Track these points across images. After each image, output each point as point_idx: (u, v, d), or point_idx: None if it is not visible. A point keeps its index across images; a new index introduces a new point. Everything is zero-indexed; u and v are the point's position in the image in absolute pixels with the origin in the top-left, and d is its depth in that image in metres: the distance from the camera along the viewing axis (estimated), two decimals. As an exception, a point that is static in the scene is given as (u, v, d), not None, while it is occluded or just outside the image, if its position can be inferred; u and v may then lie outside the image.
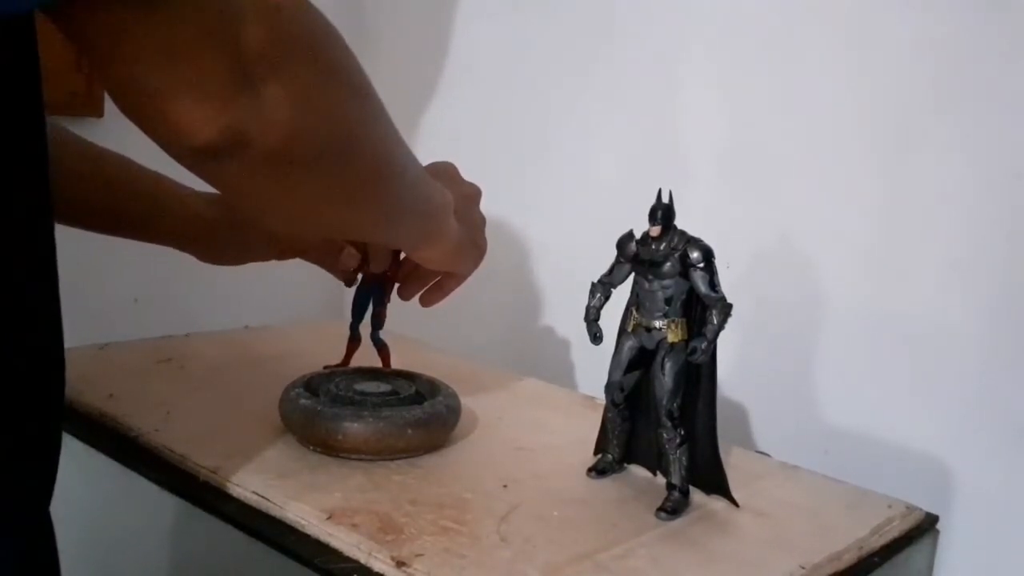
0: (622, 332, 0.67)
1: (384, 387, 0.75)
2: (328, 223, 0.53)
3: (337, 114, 0.43)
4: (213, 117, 0.37)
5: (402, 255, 0.78)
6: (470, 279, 0.72)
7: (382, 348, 0.80)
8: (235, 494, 0.63)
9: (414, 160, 0.54)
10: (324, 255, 0.79)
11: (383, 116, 0.48)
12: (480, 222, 0.69)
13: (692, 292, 0.64)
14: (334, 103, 0.42)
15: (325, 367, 0.80)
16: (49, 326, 0.43)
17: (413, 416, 0.69)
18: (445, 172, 0.67)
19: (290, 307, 1.23)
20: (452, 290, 0.72)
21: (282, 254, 0.81)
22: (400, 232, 0.59)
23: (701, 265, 0.63)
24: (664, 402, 0.65)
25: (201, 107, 0.36)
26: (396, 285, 0.76)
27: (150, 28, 0.34)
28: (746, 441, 0.96)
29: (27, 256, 0.41)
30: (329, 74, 0.42)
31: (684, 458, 0.65)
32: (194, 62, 0.35)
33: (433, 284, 0.73)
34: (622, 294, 0.68)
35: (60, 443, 0.45)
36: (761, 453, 0.86)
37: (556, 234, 1.14)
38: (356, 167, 0.47)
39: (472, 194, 0.69)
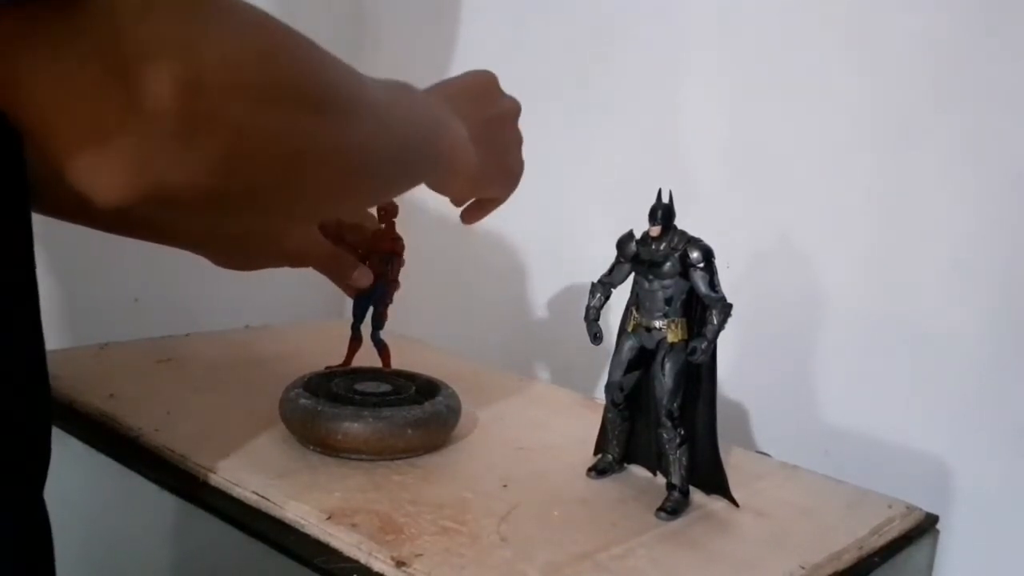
0: (622, 332, 0.67)
1: (384, 387, 0.75)
2: (304, 217, 0.50)
3: (282, 138, 0.38)
4: (124, 173, 0.32)
5: (404, 255, 0.78)
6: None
7: (382, 348, 0.80)
8: (235, 494, 0.63)
9: (404, 119, 0.50)
10: (331, 266, 0.78)
11: (353, 112, 0.43)
12: (512, 143, 0.65)
13: (692, 292, 0.64)
14: (274, 129, 0.37)
15: (326, 368, 0.80)
16: (27, 304, 0.42)
17: (413, 416, 0.69)
18: (473, 90, 0.63)
19: (290, 307, 1.23)
20: (490, 211, 0.69)
21: (292, 262, 0.80)
22: (399, 189, 0.55)
23: (701, 265, 0.63)
24: (664, 402, 0.65)
25: (109, 163, 0.32)
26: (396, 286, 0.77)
27: (51, 71, 0.30)
28: (746, 441, 0.96)
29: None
30: (267, 100, 0.37)
31: (684, 458, 0.65)
32: (98, 111, 0.31)
33: (473, 203, 0.68)
34: (622, 294, 0.68)
35: (50, 428, 0.44)
36: (761, 453, 0.86)
37: (556, 234, 1.14)
38: (318, 176, 0.42)
39: (501, 115, 0.64)
